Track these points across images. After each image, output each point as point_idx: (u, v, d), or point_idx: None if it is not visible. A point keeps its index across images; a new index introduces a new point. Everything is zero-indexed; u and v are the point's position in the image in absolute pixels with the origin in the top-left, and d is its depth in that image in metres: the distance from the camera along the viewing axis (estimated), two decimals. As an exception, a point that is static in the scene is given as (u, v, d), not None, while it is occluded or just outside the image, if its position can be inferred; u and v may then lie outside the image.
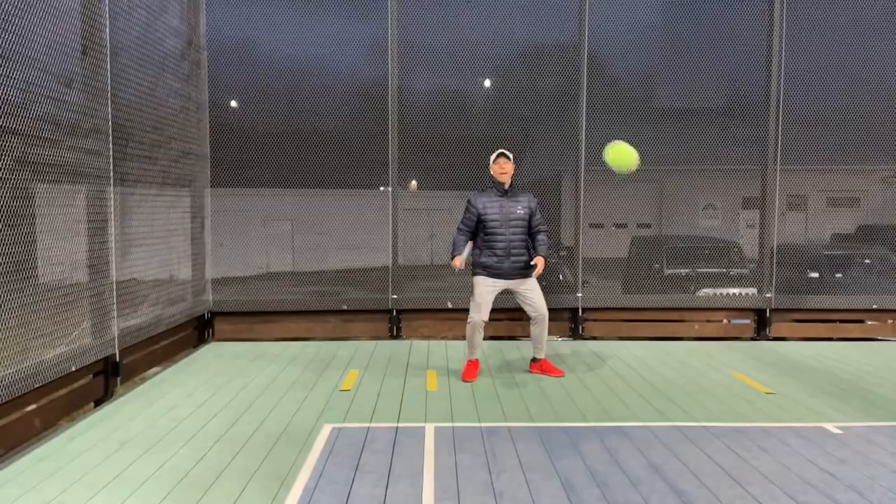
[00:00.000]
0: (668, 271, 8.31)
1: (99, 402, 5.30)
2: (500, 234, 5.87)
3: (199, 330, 7.45)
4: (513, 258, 5.88)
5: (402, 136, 7.61)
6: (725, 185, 8.29)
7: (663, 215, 8.48)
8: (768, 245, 7.89)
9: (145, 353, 6.10)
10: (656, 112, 8.08)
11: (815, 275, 8.29)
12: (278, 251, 8.06)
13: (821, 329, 7.95)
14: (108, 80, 5.33)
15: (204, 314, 7.54)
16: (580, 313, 7.79)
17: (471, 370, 6.00)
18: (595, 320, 7.88)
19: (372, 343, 7.57)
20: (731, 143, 8.02)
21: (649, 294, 8.03)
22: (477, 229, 5.98)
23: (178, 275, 6.93)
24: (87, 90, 5.07)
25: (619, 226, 8.21)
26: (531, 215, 5.95)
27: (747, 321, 7.98)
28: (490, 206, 5.91)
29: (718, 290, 8.09)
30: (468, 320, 5.95)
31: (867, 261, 8.40)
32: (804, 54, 7.68)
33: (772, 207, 7.87)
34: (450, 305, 7.60)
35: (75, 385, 4.96)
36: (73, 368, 4.81)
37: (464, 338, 6.15)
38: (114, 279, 5.47)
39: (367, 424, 4.75)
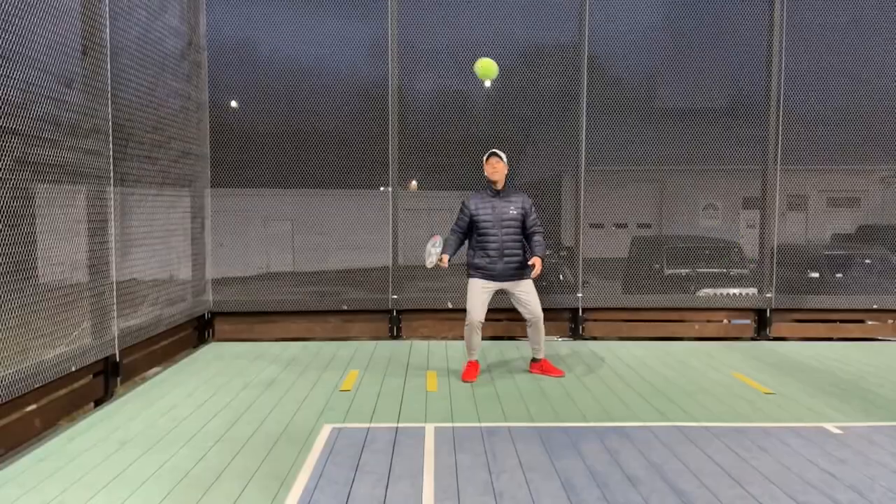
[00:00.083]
0: (668, 271, 8.31)
1: (99, 403, 5.30)
2: (493, 235, 5.86)
3: (199, 330, 7.45)
4: (506, 259, 5.86)
5: (402, 136, 7.61)
6: (726, 185, 8.29)
7: (663, 215, 8.47)
8: (769, 245, 7.89)
9: (145, 353, 6.10)
10: (656, 112, 8.08)
11: (816, 275, 8.29)
12: (278, 251, 8.07)
13: (821, 329, 7.94)
14: (109, 81, 5.33)
15: (204, 314, 7.54)
16: (580, 313, 7.79)
17: (471, 371, 6.00)
18: (595, 320, 7.88)
19: (372, 343, 7.57)
20: (731, 142, 8.02)
21: (649, 294, 8.03)
22: (470, 230, 5.98)
23: (178, 275, 6.93)
24: (88, 90, 5.07)
25: (619, 226, 8.21)
26: (525, 216, 5.90)
27: (747, 321, 7.98)
28: (482, 206, 5.90)
29: (719, 290, 8.09)
30: (465, 322, 5.95)
31: (867, 261, 8.40)
32: (805, 54, 7.68)
33: (772, 207, 7.87)
34: (450, 305, 7.60)
35: (75, 385, 4.97)
36: (73, 368, 4.81)
37: (464, 338, 6.15)
38: (114, 279, 5.47)
39: (367, 424, 4.75)
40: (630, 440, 4.43)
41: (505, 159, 5.89)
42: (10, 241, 4.05)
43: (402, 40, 7.53)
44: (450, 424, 4.75)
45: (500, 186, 5.92)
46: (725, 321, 7.98)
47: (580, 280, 7.79)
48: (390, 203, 7.69)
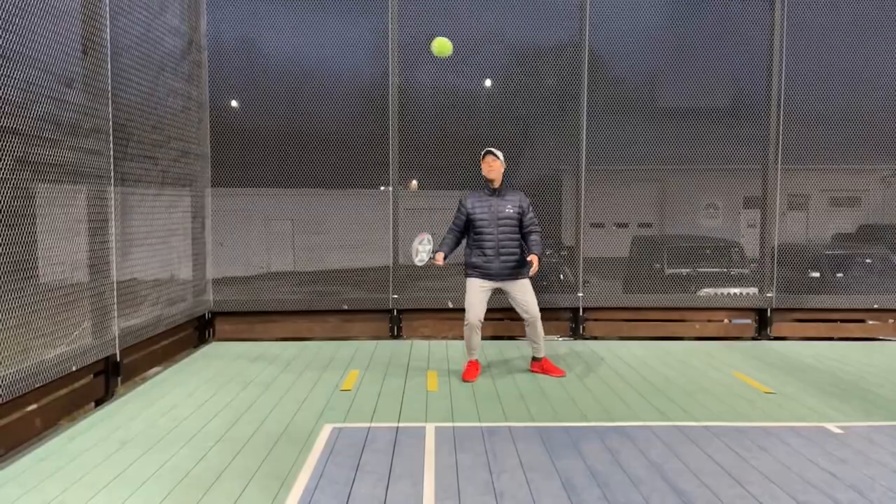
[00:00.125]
0: (669, 271, 8.30)
1: (99, 402, 5.31)
2: (489, 234, 5.85)
3: (199, 330, 7.45)
4: (503, 258, 5.85)
5: (402, 135, 7.61)
6: (726, 185, 8.28)
7: (664, 215, 8.47)
8: (769, 245, 7.88)
9: (146, 352, 6.10)
10: (657, 111, 8.08)
11: (816, 274, 8.29)
12: (279, 251, 8.07)
13: (822, 329, 7.94)
14: (109, 80, 5.34)
15: (204, 314, 7.54)
16: (581, 313, 7.79)
17: (471, 370, 6.00)
18: (596, 320, 7.88)
19: (372, 343, 7.57)
20: (732, 142, 8.01)
21: (650, 294, 8.02)
22: (467, 229, 5.98)
23: (178, 275, 6.93)
24: (88, 90, 5.07)
25: (619, 225, 8.21)
26: (522, 214, 5.89)
27: (748, 321, 7.97)
28: (479, 205, 5.90)
29: (719, 290, 8.08)
30: (464, 322, 5.95)
31: (868, 260, 8.40)
32: (805, 54, 7.67)
33: (773, 207, 7.86)
34: (450, 305, 7.59)
35: (76, 385, 4.97)
36: (74, 368, 4.82)
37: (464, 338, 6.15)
38: (114, 279, 5.48)
39: (367, 424, 4.75)
40: (630, 440, 4.43)
41: (501, 157, 5.88)
42: (11, 241, 4.06)
43: (402, 39, 7.54)
44: (450, 424, 4.75)
45: (496, 185, 5.91)
46: (726, 321, 7.98)
47: (581, 279, 7.79)
48: (391, 203, 7.69)
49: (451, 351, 7.10)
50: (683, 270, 8.35)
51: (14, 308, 4.09)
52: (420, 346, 7.41)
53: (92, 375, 5.20)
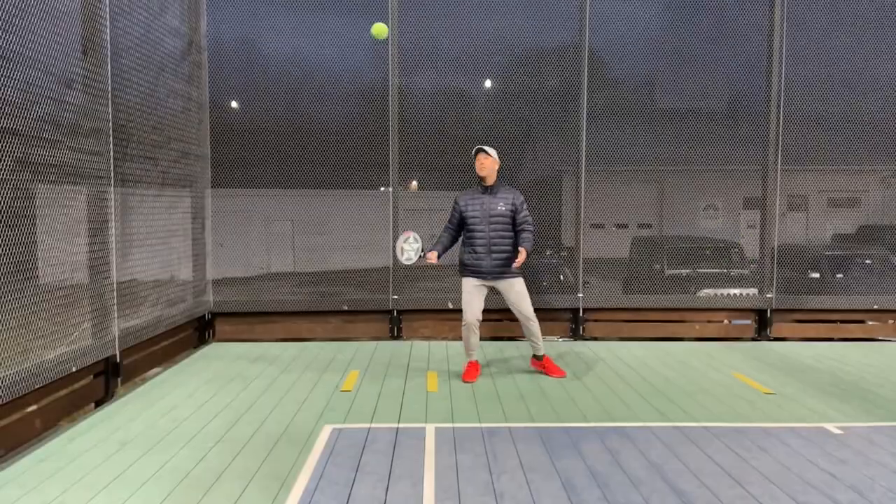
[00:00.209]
0: (668, 272, 8.30)
1: (99, 403, 5.31)
2: (480, 231, 5.84)
3: (199, 330, 7.45)
4: (494, 255, 5.84)
5: (402, 136, 7.61)
6: (726, 186, 8.28)
7: (664, 216, 8.47)
8: (769, 245, 7.88)
9: (146, 353, 6.10)
10: (657, 112, 8.08)
11: (816, 275, 8.29)
12: (279, 252, 8.07)
13: (822, 329, 7.94)
14: (109, 81, 5.34)
15: (204, 315, 7.54)
16: (581, 314, 7.79)
17: (471, 371, 6.00)
18: (596, 321, 7.88)
19: (373, 344, 7.57)
20: (732, 143, 8.01)
21: (650, 294, 8.02)
22: (462, 227, 5.98)
23: (178, 275, 6.93)
24: (88, 91, 5.07)
25: (619, 226, 8.21)
26: (515, 212, 5.86)
27: (748, 321, 7.97)
28: (471, 203, 5.91)
29: (719, 291, 8.08)
30: (462, 322, 5.95)
31: (868, 261, 8.40)
32: (805, 55, 7.68)
33: (772, 208, 7.86)
34: (450, 306, 7.59)
35: (76, 386, 4.97)
36: (74, 369, 4.81)
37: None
38: (114, 280, 5.48)
39: (367, 425, 4.75)
40: (630, 440, 4.43)
41: (494, 154, 5.87)
42: (11, 242, 4.06)
43: (402, 40, 7.54)
44: (450, 425, 4.75)
45: (489, 182, 5.90)
46: (726, 321, 7.98)
47: (581, 280, 7.79)
48: (391, 203, 7.69)
49: (450, 351, 7.10)
50: (683, 271, 8.35)
51: (14, 309, 4.09)
52: (420, 346, 7.41)
53: (92, 376, 5.20)
